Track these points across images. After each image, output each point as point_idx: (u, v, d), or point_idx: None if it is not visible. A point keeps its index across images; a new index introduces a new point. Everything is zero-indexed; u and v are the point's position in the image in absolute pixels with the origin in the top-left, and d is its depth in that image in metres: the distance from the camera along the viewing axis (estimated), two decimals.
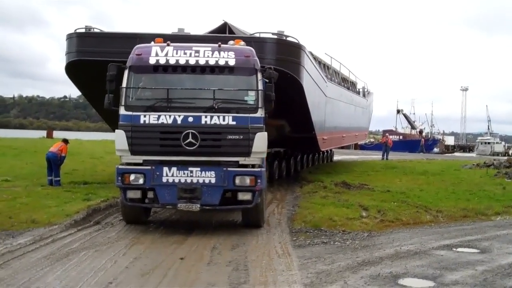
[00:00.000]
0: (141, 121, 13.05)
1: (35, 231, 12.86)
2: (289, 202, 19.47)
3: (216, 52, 13.51)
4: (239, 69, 13.47)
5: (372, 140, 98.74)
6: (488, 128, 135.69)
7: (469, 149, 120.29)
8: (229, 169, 13.11)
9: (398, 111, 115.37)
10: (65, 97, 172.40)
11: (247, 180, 13.13)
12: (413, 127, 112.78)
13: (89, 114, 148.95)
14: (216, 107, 13.10)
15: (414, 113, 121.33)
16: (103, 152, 38.47)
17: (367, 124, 46.47)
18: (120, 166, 13.39)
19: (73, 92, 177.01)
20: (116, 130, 13.33)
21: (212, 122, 13.00)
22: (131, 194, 13.35)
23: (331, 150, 40.20)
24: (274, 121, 22.24)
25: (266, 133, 13.37)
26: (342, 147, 58.23)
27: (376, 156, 50.03)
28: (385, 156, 45.60)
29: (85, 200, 16.87)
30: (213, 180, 13.06)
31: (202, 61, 13.37)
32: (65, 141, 22.26)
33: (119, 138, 13.17)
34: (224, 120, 13.02)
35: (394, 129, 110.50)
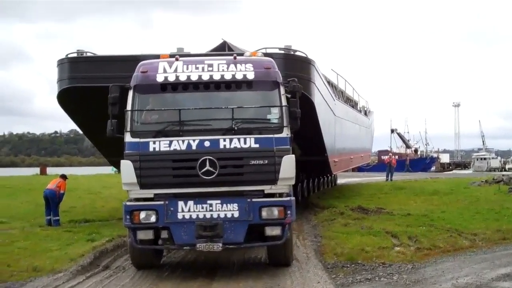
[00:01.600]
0: (150, 149, 11.37)
1: (39, 281, 11.41)
2: (309, 232, 18.07)
3: (232, 65, 11.96)
4: (259, 83, 11.93)
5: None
6: (483, 144, 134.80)
7: (465, 166, 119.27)
8: (253, 200, 11.39)
9: (392, 131, 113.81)
10: (56, 132, 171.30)
11: (276, 212, 11.45)
12: (407, 146, 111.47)
13: (80, 149, 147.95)
14: (235, 128, 11.51)
15: (408, 132, 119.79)
16: (100, 186, 37.16)
17: (370, 144, 45.25)
18: (128, 203, 11.64)
19: (64, 127, 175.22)
20: (121, 161, 11.61)
21: (232, 146, 11.35)
22: (142, 235, 11.55)
23: (335, 173, 38.91)
24: None
25: (293, 155, 11.75)
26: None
27: (378, 177, 48.76)
28: (389, 177, 44.37)
29: (89, 241, 15.43)
30: (236, 214, 11.34)
31: (216, 76, 11.80)
32: (63, 176, 20.87)
33: (125, 169, 11.43)
34: (245, 142, 11.39)
35: (389, 148, 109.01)
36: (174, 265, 13.43)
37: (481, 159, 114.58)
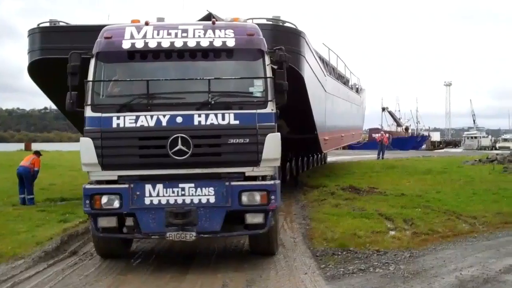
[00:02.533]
0: (114, 125, 9.96)
1: None
2: (297, 214, 16.98)
3: (210, 31, 10.46)
4: (240, 51, 10.43)
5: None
6: (474, 123, 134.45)
7: (455, 144, 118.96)
8: (232, 183, 10.00)
9: (383, 109, 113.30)
10: (45, 108, 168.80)
11: (257, 197, 10.04)
12: (398, 125, 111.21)
13: (70, 125, 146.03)
14: (212, 102, 10.06)
15: (399, 111, 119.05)
16: None
17: (361, 122, 43.95)
18: (88, 186, 10.23)
19: None
20: (80, 138, 10.23)
21: (208, 122, 9.94)
22: (104, 222, 10.11)
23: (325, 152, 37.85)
24: None
25: (279, 134, 10.38)
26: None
27: (369, 155, 47.73)
28: (381, 155, 43.43)
29: (61, 222, 14.31)
30: (212, 199, 9.95)
31: (191, 43, 10.30)
32: (37, 153, 19.70)
33: (85, 148, 10.00)
34: (223, 119, 9.97)
35: (380, 127, 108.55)
36: (147, 252, 12.17)
37: (472, 137, 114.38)
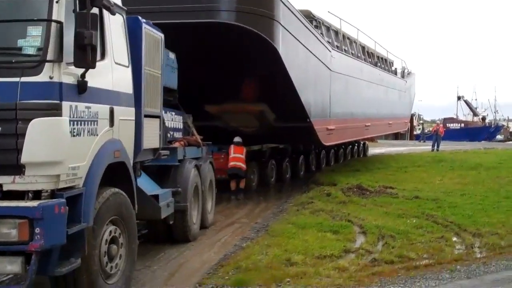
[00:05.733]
0: None
1: None
2: (260, 223, 13.37)
3: None
4: None
5: (430, 129, 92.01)
6: None
7: None
8: None
9: (459, 98, 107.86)
10: None
11: (11, 229, 5.66)
12: (475, 114, 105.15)
13: None
14: None
15: (476, 99, 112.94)
16: None
17: (407, 110, 38.70)
18: None
19: None
20: None
21: None
22: None
23: (364, 142, 33.73)
24: (251, 106, 16.31)
25: (61, 119, 5.96)
26: (396, 137, 50.84)
27: (429, 147, 43.22)
28: (435, 147, 39.22)
29: None
30: None
31: None
32: None
33: None
34: None
35: (455, 116, 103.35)
36: None
37: None
